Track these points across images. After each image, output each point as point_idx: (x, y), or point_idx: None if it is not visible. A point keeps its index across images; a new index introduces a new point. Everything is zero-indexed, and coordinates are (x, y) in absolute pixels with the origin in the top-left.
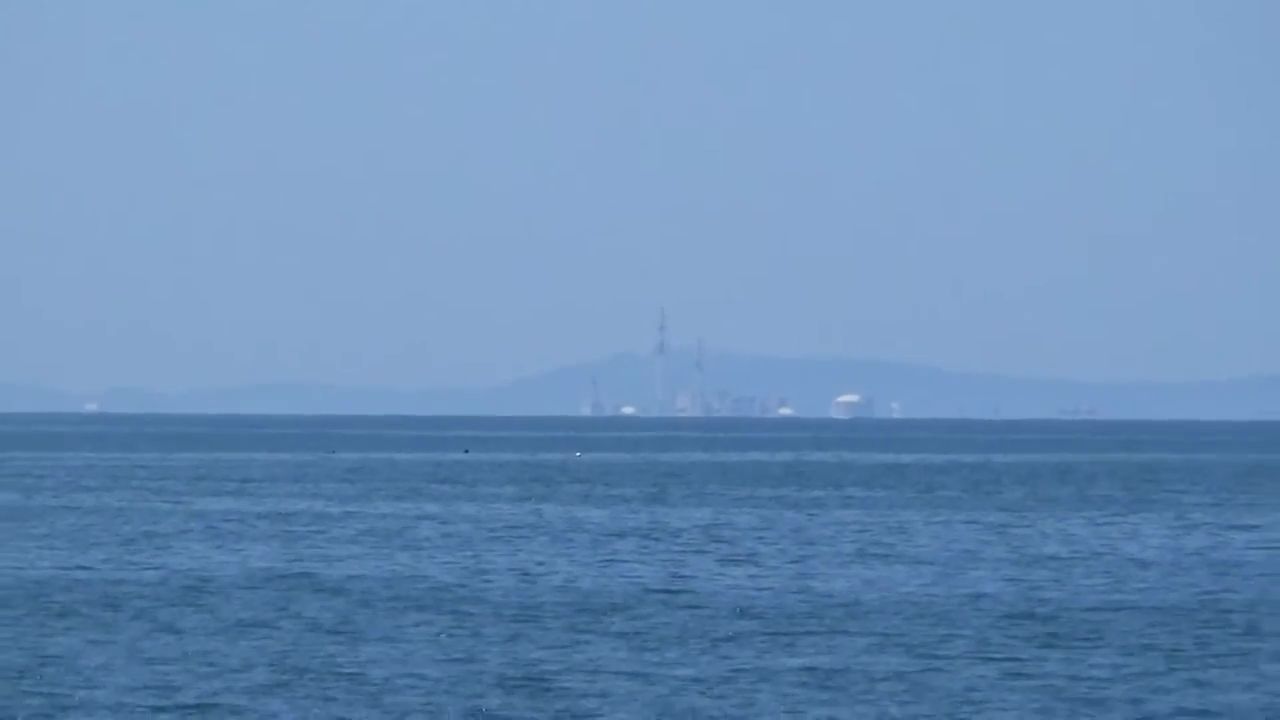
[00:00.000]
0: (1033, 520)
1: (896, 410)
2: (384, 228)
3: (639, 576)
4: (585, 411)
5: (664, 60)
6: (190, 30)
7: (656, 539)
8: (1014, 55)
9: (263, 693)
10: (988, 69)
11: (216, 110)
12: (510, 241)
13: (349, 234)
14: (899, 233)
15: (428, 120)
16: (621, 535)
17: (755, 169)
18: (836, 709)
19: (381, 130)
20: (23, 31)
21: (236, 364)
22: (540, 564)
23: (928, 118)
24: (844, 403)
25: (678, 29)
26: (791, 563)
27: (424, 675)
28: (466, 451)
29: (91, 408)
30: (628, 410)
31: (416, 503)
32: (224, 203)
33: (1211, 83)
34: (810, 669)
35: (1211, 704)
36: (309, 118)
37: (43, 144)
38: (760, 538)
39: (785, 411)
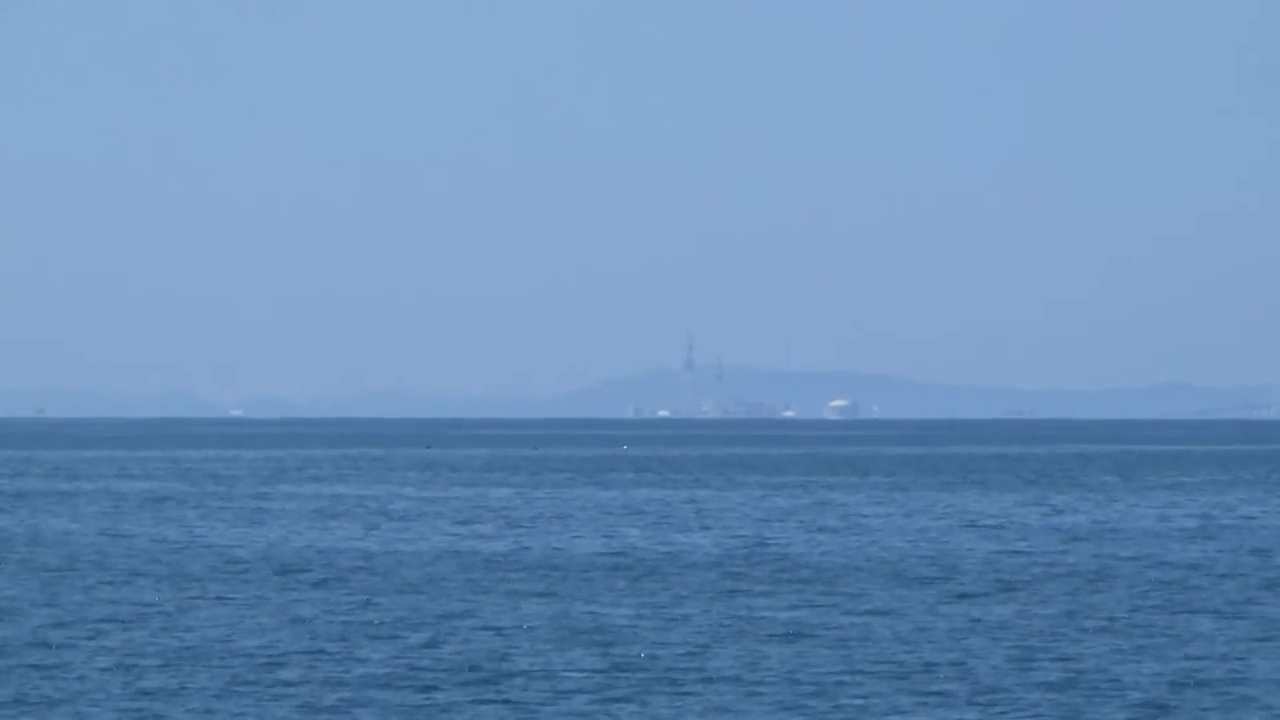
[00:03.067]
0: (969, 494)
1: (876, 412)
2: (469, 267)
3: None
4: (629, 414)
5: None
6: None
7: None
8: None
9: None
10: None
11: (324, 137)
12: (568, 278)
13: (443, 272)
14: (878, 268)
15: (503, 168)
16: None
17: (760, 213)
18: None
19: (465, 182)
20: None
21: (348, 375)
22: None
23: (904, 163)
24: (835, 407)
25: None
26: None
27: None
28: (535, 448)
29: (236, 413)
30: (663, 413)
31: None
32: (323, 240)
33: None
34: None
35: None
36: (393, 153)
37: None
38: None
39: (788, 414)
